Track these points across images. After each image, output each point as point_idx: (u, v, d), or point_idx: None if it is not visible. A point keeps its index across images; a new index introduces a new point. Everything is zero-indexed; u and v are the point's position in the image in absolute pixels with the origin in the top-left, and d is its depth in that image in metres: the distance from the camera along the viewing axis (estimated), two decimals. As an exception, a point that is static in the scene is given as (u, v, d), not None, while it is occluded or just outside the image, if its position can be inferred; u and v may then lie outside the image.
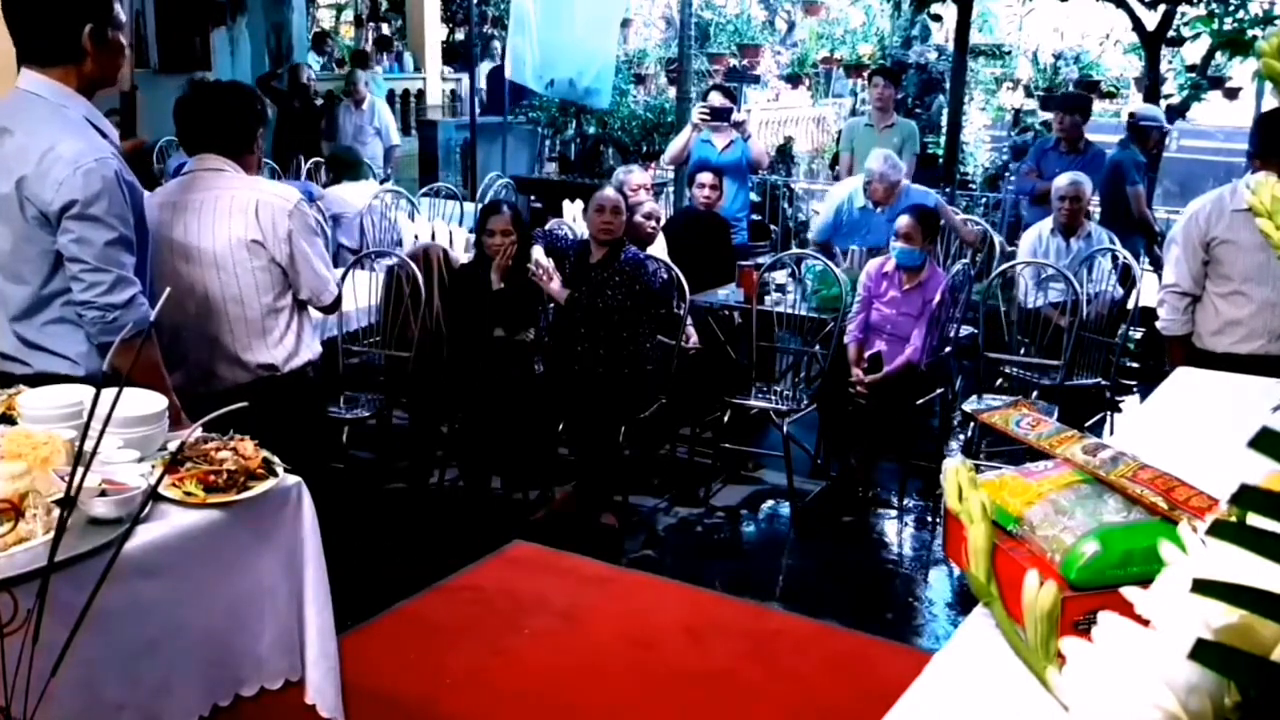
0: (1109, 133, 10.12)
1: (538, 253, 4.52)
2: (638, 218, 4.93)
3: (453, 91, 12.51)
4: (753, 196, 6.64)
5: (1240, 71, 9.81)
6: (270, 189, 2.98)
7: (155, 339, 2.48)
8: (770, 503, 4.71)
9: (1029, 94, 10.39)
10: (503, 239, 4.32)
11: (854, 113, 10.69)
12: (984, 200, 8.64)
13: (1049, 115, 8.45)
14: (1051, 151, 6.40)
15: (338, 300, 3.13)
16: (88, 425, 1.21)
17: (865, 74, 10.50)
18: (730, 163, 5.89)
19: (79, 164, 2.28)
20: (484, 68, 11.31)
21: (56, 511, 1.77)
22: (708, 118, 5.85)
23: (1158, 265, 5.54)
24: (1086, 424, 4.61)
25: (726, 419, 4.77)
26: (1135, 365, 6.30)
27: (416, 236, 5.70)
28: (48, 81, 2.35)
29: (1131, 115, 6.71)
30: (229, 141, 2.94)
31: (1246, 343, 3.57)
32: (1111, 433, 4.56)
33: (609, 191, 4.60)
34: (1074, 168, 6.08)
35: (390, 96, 11.19)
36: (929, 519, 4.62)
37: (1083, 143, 6.28)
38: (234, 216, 2.83)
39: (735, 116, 5.93)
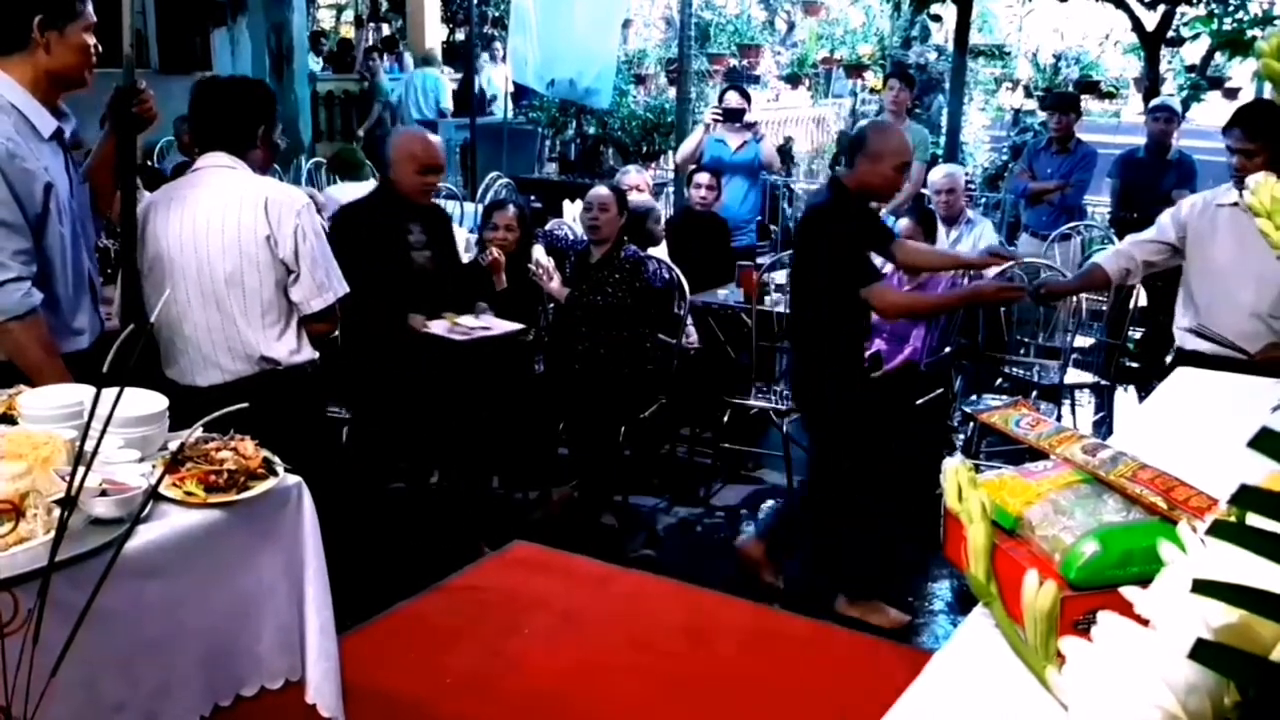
0: (1106, 133, 10.13)
1: (538, 252, 4.53)
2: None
3: (453, 91, 12.49)
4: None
5: (1240, 71, 9.81)
6: (278, 187, 2.98)
7: (41, 320, 2.42)
8: (770, 503, 4.70)
9: (1029, 94, 10.39)
10: (505, 234, 4.32)
11: (854, 113, 10.69)
12: (984, 200, 8.63)
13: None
14: (1043, 151, 6.42)
15: (330, 315, 2.99)
16: (88, 425, 1.21)
17: (866, 73, 10.53)
18: (744, 162, 5.89)
19: None
20: (485, 69, 11.29)
21: (57, 511, 1.77)
22: (719, 118, 5.84)
23: None
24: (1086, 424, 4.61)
25: (726, 419, 4.76)
26: (1135, 365, 6.29)
27: (416, 236, 5.69)
28: None
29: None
30: (230, 138, 2.94)
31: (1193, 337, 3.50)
32: (1111, 433, 4.56)
33: (598, 189, 4.61)
34: (1065, 166, 6.15)
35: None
36: (929, 519, 4.60)
37: (1073, 142, 6.29)
38: (244, 210, 2.83)
39: (747, 118, 5.93)
